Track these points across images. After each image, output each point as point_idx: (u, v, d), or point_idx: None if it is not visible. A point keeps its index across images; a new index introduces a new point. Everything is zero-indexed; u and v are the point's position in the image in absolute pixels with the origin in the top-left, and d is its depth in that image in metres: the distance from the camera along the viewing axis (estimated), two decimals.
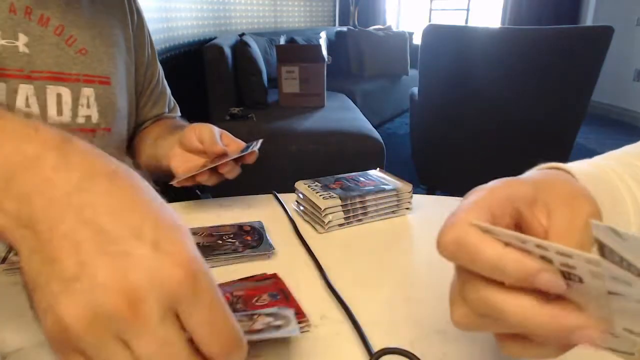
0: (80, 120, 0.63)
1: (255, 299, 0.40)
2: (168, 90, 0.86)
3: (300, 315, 0.38)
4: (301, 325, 0.37)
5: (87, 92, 0.64)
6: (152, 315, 0.21)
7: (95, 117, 0.65)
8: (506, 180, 0.29)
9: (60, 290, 0.22)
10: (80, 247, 0.22)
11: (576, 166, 0.33)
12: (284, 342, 0.36)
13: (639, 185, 0.33)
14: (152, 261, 0.22)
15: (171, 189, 0.65)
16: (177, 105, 0.88)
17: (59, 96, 0.61)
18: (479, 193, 0.28)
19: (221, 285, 0.42)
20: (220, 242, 0.50)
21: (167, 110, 0.84)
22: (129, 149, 0.80)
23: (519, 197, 0.27)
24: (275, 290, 0.41)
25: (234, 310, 0.39)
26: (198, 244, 0.49)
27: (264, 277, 0.44)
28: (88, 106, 0.64)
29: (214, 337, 0.23)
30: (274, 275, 0.44)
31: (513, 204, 0.27)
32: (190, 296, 0.22)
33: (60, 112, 0.61)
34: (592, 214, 0.27)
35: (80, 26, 0.64)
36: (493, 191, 0.28)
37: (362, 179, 0.62)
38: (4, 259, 0.46)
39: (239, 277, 0.44)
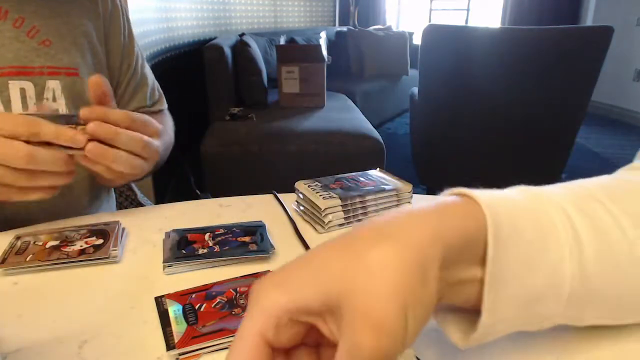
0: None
1: None
2: (150, 81, 0.81)
3: None
4: None
5: (53, 84, 0.62)
6: None
7: (63, 110, 0.63)
8: (292, 290, 0.24)
9: None
10: None
11: (486, 193, 0.29)
12: None
13: (580, 213, 0.30)
14: None
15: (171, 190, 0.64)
16: (163, 96, 0.84)
17: (22, 91, 0.60)
18: (261, 304, 0.24)
19: (224, 282, 0.43)
20: (221, 242, 0.50)
21: (149, 102, 0.80)
22: None
23: (304, 310, 0.24)
24: None
25: (237, 306, 0.39)
26: (201, 248, 0.49)
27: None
28: (54, 99, 0.62)
29: None
30: None
31: (298, 319, 0.24)
32: None
33: (25, 106, 0.60)
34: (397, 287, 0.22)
35: (43, 17, 0.62)
36: (273, 305, 0.24)
37: (362, 179, 0.62)
38: (4, 259, 0.46)
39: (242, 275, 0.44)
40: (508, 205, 0.28)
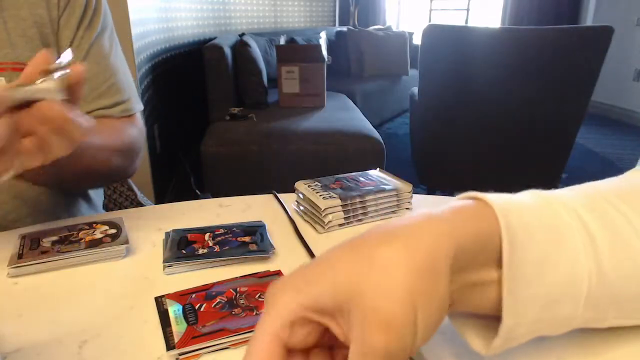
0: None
1: (259, 294, 0.40)
2: (123, 84, 0.69)
3: None
4: None
5: None
6: None
7: None
8: (301, 288, 0.24)
9: None
10: None
11: (499, 196, 0.29)
12: None
13: (592, 213, 0.30)
14: None
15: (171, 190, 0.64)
16: (132, 99, 0.71)
17: None
18: (275, 305, 0.24)
19: (224, 282, 0.43)
20: (221, 242, 0.50)
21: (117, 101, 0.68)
22: None
23: (315, 309, 0.24)
24: None
25: (237, 306, 0.39)
26: (201, 248, 0.49)
27: (267, 274, 0.44)
28: None
29: None
30: (278, 272, 0.44)
31: (311, 318, 0.24)
32: None
33: None
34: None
35: None
36: (286, 305, 0.24)
37: (362, 179, 0.62)
38: (20, 255, 0.46)
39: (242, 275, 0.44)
40: (520, 207, 0.29)
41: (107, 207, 0.88)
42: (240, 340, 0.36)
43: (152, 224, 0.56)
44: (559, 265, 0.28)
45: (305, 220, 0.58)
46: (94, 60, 0.68)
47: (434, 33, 1.87)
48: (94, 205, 0.78)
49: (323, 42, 3.52)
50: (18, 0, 0.61)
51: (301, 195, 0.59)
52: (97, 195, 0.80)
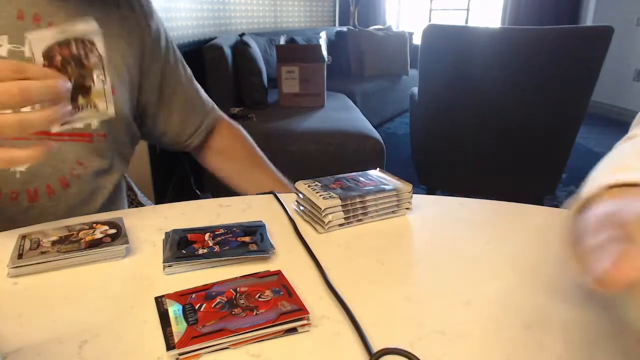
0: (78, 125, 0.62)
1: (259, 294, 0.40)
2: (202, 94, 0.85)
3: (303, 311, 0.38)
4: (303, 322, 0.37)
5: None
6: None
7: (94, 124, 0.65)
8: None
9: None
10: None
11: None
12: (284, 341, 0.36)
13: None
14: None
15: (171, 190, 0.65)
16: (214, 105, 0.88)
17: None
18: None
19: (224, 282, 0.43)
20: (221, 242, 0.50)
21: (207, 117, 0.84)
22: (201, 158, 0.87)
23: None
24: (278, 287, 0.42)
25: (237, 306, 0.39)
26: (201, 248, 0.49)
27: (267, 274, 0.44)
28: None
29: None
30: (278, 272, 0.44)
31: None
32: None
33: None
34: None
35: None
36: None
37: (362, 179, 0.62)
38: (20, 255, 0.46)
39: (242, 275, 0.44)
40: None
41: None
42: (240, 340, 0.36)
43: (152, 224, 0.57)
44: None
45: (305, 220, 0.58)
46: (185, 81, 0.82)
47: (434, 33, 1.87)
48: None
49: (323, 42, 3.52)
50: (114, 31, 0.68)
51: (301, 195, 0.59)
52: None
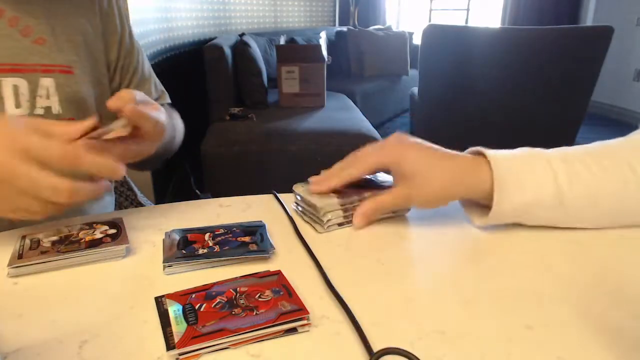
0: (39, 111, 0.62)
1: (259, 294, 0.40)
2: (153, 77, 0.82)
3: (303, 311, 0.38)
4: (303, 322, 0.37)
5: (47, 82, 0.62)
6: None
7: (55, 108, 0.63)
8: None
9: None
10: None
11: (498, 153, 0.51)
12: (284, 342, 0.36)
13: (559, 158, 0.51)
14: None
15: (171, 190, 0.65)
16: (165, 92, 0.84)
17: (15, 88, 0.60)
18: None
19: (224, 282, 0.43)
20: (221, 242, 0.50)
21: (154, 96, 0.80)
22: None
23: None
24: (278, 287, 0.42)
25: (237, 306, 0.39)
26: (201, 248, 0.49)
27: (267, 274, 0.44)
28: (47, 97, 0.63)
29: None
30: (278, 272, 0.44)
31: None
32: None
33: (18, 104, 0.60)
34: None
35: (37, 16, 0.63)
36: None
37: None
38: (20, 255, 0.46)
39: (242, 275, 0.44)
40: (506, 154, 0.52)
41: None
42: (240, 340, 0.36)
43: (152, 224, 0.56)
44: (529, 186, 0.50)
45: (305, 220, 0.58)
46: (141, 62, 0.80)
47: (434, 33, 1.87)
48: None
49: (323, 42, 3.52)
50: (65, 8, 0.66)
51: (299, 197, 0.59)
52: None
